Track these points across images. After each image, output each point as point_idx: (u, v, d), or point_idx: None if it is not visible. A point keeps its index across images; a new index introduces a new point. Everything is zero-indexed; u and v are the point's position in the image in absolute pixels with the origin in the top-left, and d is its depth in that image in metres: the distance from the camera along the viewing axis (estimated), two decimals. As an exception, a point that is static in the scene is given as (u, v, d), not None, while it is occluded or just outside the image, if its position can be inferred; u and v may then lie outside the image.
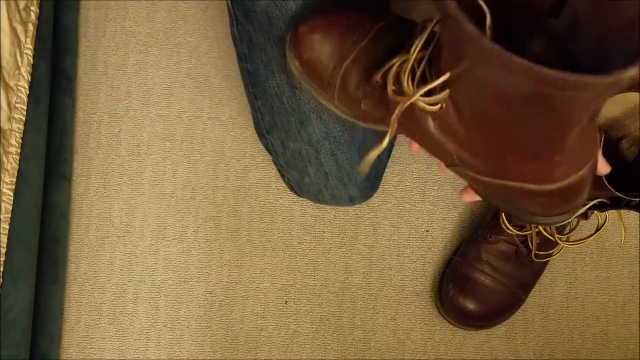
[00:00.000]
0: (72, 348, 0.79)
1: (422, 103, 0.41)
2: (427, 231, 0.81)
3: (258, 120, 0.71)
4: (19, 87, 0.70)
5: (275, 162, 0.75)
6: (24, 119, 0.70)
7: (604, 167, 0.49)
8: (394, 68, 0.45)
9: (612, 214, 0.70)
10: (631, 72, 0.26)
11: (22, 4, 0.71)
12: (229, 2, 0.63)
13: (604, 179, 0.51)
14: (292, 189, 0.78)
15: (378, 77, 0.48)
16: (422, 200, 0.82)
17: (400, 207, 0.82)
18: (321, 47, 0.53)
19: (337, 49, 0.53)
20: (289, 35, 0.56)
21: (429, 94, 0.41)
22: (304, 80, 0.56)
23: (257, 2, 0.60)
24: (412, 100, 0.41)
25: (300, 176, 0.72)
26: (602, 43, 0.32)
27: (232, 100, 0.85)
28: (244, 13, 0.63)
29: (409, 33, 0.45)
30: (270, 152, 0.74)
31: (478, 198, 0.50)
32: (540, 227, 0.68)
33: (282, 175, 0.77)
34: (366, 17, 0.55)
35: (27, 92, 0.71)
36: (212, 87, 0.85)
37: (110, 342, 0.79)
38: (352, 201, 0.73)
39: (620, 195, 0.52)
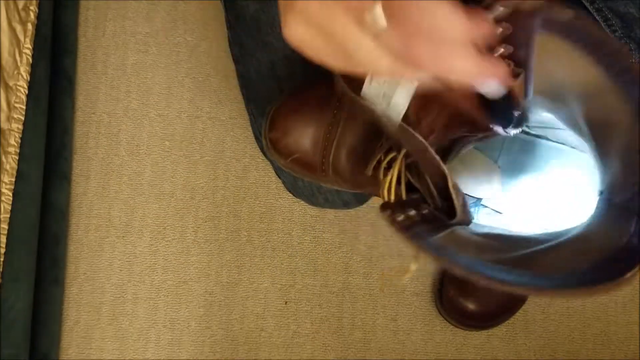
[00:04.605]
0: (72, 348, 0.78)
1: None
2: (428, 231, 0.81)
3: (252, 122, 0.71)
4: (18, 87, 0.70)
5: (271, 163, 0.75)
6: (23, 118, 0.70)
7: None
8: (383, 164, 0.45)
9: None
10: None
11: (21, 4, 0.71)
12: (223, 7, 0.64)
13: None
14: (288, 190, 0.78)
15: (369, 171, 0.48)
16: (423, 201, 0.82)
17: (401, 207, 0.81)
18: (301, 144, 0.53)
19: (316, 137, 0.53)
20: (265, 142, 0.56)
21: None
22: (297, 173, 0.57)
23: (247, 8, 0.60)
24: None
25: (294, 179, 0.72)
26: None
27: (232, 100, 0.84)
28: (235, 18, 0.63)
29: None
30: (264, 155, 0.74)
31: None
32: None
33: (278, 177, 0.77)
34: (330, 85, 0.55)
35: (27, 92, 0.71)
36: (212, 87, 0.85)
37: (109, 342, 0.79)
38: (346, 205, 0.73)
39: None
